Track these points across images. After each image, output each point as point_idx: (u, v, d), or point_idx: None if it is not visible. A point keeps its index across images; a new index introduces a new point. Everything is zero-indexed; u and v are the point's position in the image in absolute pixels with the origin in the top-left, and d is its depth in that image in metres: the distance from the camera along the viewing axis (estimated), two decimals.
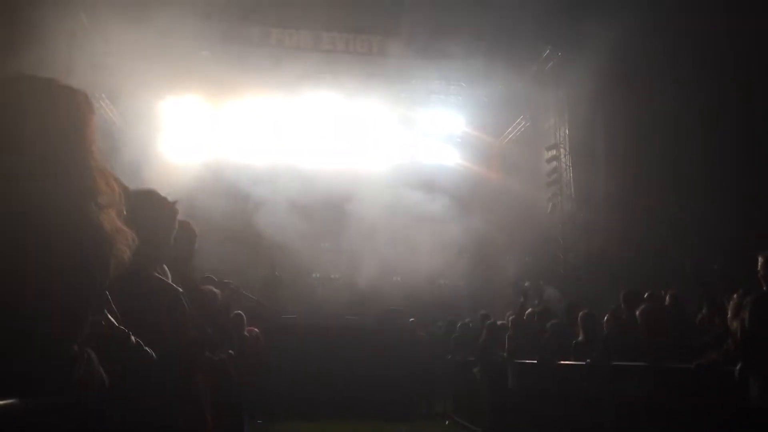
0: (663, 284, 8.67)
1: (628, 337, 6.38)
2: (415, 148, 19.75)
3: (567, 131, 16.90)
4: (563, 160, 17.01)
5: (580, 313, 7.40)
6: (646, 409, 5.70)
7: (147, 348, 2.08)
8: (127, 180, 2.74)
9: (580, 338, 7.17)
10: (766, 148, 11.01)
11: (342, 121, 19.01)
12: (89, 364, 1.55)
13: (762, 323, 4.36)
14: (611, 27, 12.61)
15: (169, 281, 2.83)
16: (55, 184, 1.49)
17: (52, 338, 1.43)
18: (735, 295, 5.26)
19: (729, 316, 5.15)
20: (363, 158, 19.10)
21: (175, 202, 2.79)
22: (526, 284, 15.04)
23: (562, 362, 7.05)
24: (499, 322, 9.53)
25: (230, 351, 5.09)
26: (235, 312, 7.11)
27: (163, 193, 2.87)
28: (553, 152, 17.23)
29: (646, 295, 7.32)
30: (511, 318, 9.05)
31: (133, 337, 2.00)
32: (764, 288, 4.61)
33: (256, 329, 8.32)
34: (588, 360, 6.59)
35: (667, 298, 7.36)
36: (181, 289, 2.69)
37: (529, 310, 8.99)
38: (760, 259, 4.63)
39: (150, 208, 2.51)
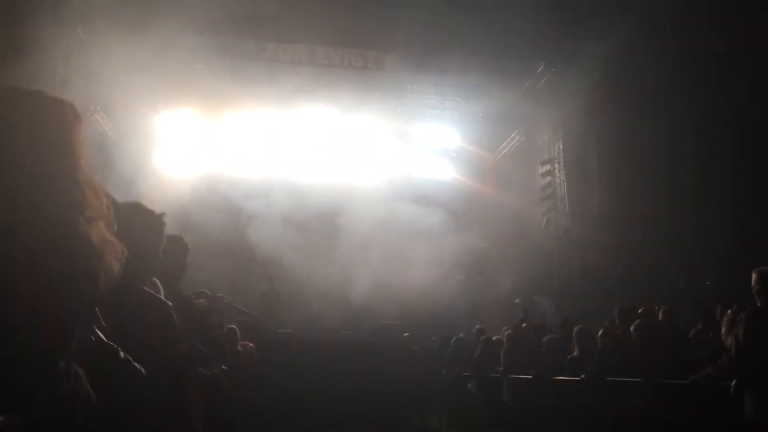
0: (657, 299, 8.69)
1: (623, 352, 6.37)
2: (410, 162, 19.79)
3: (561, 146, 16.97)
4: (557, 175, 17.06)
5: (576, 329, 7.40)
6: (642, 424, 5.67)
7: (136, 363, 2.06)
8: (122, 193, 2.74)
9: (575, 353, 7.16)
10: (759, 163, 11.08)
11: (337, 136, 19.04)
12: (76, 380, 1.53)
13: (756, 339, 4.36)
14: (604, 43, 12.71)
15: (161, 295, 2.80)
16: (43, 197, 1.48)
17: (39, 354, 1.41)
18: (729, 311, 5.27)
19: (723, 331, 5.15)
20: (359, 172, 19.12)
21: (162, 214, 2.77)
22: (517, 301, 15.05)
23: (558, 377, 7.03)
24: (494, 338, 9.50)
25: (223, 366, 5.06)
26: (229, 326, 7.08)
27: (157, 207, 2.85)
28: (548, 167, 17.29)
29: (640, 311, 7.33)
30: (506, 333, 9.04)
31: (121, 353, 1.98)
32: (758, 304, 4.61)
33: (250, 344, 8.27)
34: (583, 375, 6.57)
35: (660, 313, 7.38)
36: (171, 303, 2.67)
37: (524, 325, 8.98)
38: (754, 275, 4.64)
39: (137, 220, 2.49)
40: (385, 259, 14.62)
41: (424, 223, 16.23)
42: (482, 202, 19.75)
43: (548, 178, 17.25)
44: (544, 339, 7.85)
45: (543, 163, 17.61)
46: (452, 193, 19.31)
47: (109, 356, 1.90)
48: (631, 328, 6.38)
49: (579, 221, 16.06)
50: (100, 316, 1.84)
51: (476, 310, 15.32)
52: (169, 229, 3.60)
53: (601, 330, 7.65)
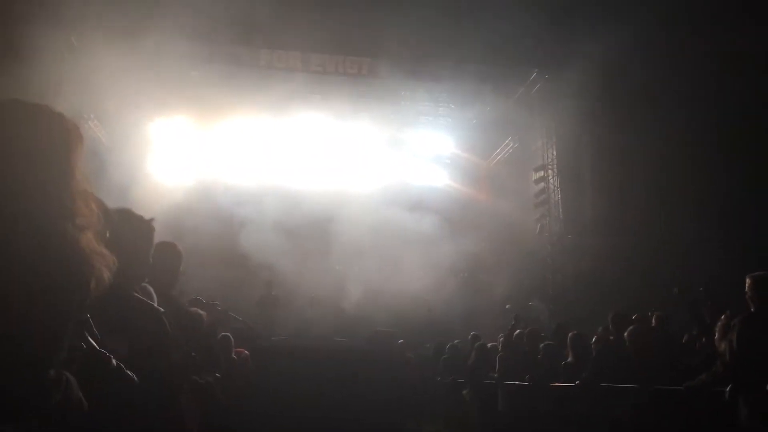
0: (651, 304, 8.70)
1: (617, 358, 6.38)
2: (404, 169, 19.81)
3: (555, 153, 17.02)
4: (551, 181, 17.11)
5: (570, 335, 7.40)
6: (636, 431, 5.68)
7: (128, 371, 2.04)
8: (115, 200, 2.72)
9: (569, 359, 7.16)
10: (752, 168, 11.14)
11: (331, 142, 19.06)
12: (68, 388, 1.52)
13: (750, 344, 4.37)
14: (597, 50, 12.78)
15: (154, 302, 2.79)
16: (34, 206, 1.48)
17: (29, 362, 1.40)
18: (722, 317, 5.28)
19: (716, 337, 5.16)
20: (353, 179, 19.12)
21: (151, 220, 2.76)
22: (507, 306, 15.06)
23: (554, 384, 7.02)
24: (489, 344, 9.49)
25: (217, 374, 5.03)
26: (223, 334, 7.05)
27: (150, 214, 2.84)
28: (541, 173, 17.34)
29: (634, 317, 7.35)
30: (502, 339, 9.03)
31: (114, 360, 1.96)
32: (752, 309, 4.62)
33: (245, 351, 8.23)
34: (578, 381, 6.57)
35: (654, 319, 7.39)
36: (162, 309, 2.66)
37: (518, 331, 8.97)
38: (748, 281, 4.65)
39: (126, 226, 2.48)
40: (379, 266, 14.61)
41: (418, 230, 16.22)
42: (476, 209, 19.77)
43: (542, 185, 17.30)
44: (541, 345, 7.84)
45: (536, 170, 17.65)
46: (446, 200, 19.33)
47: (100, 364, 1.89)
48: (625, 334, 6.39)
49: (573, 227, 16.09)
50: (92, 323, 1.83)
51: (471, 317, 15.31)
52: (163, 236, 3.59)
53: (595, 337, 7.66)
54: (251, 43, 15.65)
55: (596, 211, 15.05)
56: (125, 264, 1.72)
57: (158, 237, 3.21)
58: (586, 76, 13.61)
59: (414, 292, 15.30)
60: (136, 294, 2.61)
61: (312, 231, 15.99)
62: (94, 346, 1.85)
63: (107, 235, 1.67)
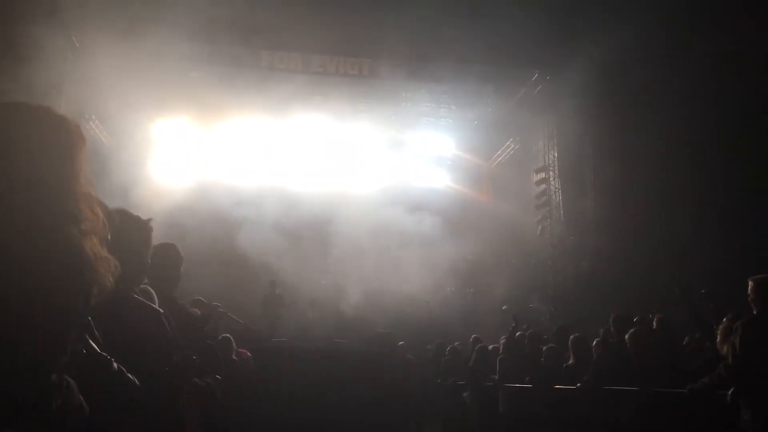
0: (652, 305, 8.69)
1: (618, 360, 6.36)
2: (405, 170, 19.80)
3: (556, 154, 17.02)
4: (552, 182, 17.10)
5: (571, 337, 7.38)
6: None
7: (129, 374, 2.03)
8: (116, 201, 2.71)
9: (570, 361, 7.14)
10: (753, 169, 11.14)
11: (332, 144, 19.06)
12: (69, 391, 1.51)
13: (753, 347, 4.35)
14: (598, 52, 12.77)
15: (155, 304, 2.78)
16: (39, 209, 1.48)
17: (31, 367, 1.39)
18: (724, 319, 5.26)
19: (718, 340, 5.14)
20: (354, 180, 19.12)
21: (149, 220, 2.75)
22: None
23: (558, 386, 7.00)
24: (490, 347, 9.47)
25: (217, 375, 5.02)
26: (223, 335, 7.04)
27: (152, 215, 2.83)
28: (542, 175, 17.34)
29: (635, 319, 7.33)
30: (502, 341, 9.01)
31: (115, 364, 1.95)
32: (754, 312, 4.61)
33: (247, 353, 8.23)
34: (579, 384, 6.55)
35: (655, 321, 7.37)
36: (162, 310, 2.65)
37: (519, 333, 8.95)
38: (751, 283, 4.64)
39: (124, 227, 2.46)
40: (379, 267, 14.59)
41: (419, 232, 16.21)
42: (477, 210, 19.75)
43: (543, 186, 17.29)
44: (544, 348, 7.82)
45: (538, 171, 17.65)
46: (447, 201, 19.31)
47: (101, 367, 1.88)
48: (626, 336, 6.38)
49: (574, 229, 16.09)
50: (93, 326, 1.82)
51: (471, 318, 15.30)
52: (164, 237, 3.59)
53: (596, 340, 7.64)
54: (252, 44, 15.66)
55: (597, 213, 15.05)
56: (124, 265, 1.71)
57: (160, 237, 3.20)
58: (587, 77, 13.61)
59: (414, 293, 15.30)
60: (136, 296, 2.60)
61: (313, 232, 15.99)
62: (95, 350, 1.84)
63: (109, 238, 1.67)
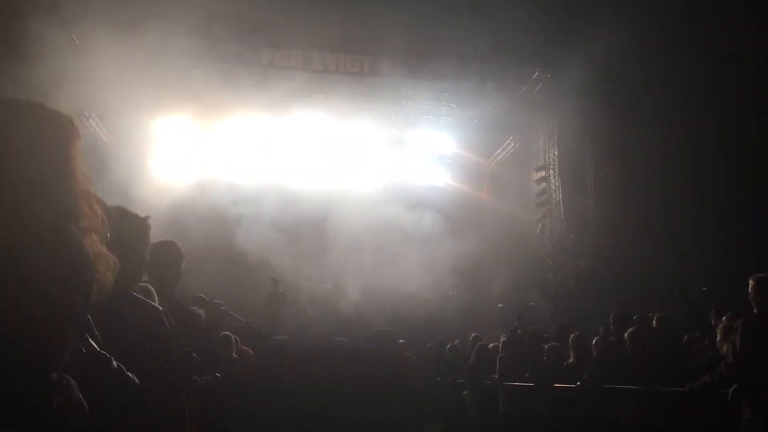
0: (652, 304, 8.70)
1: (618, 359, 6.36)
2: (405, 168, 19.80)
3: (556, 153, 17.01)
4: (552, 181, 17.09)
5: (572, 336, 7.37)
6: None
7: (129, 373, 2.03)
8: (116, 199, 2.71)
9: (571, 360, 7.14)
10: (752, 168, 11.13)
11: (333, 142, 19.06)
12: (69, 390, 1.51)
13: (753, 346, 4.35)
14: (599, 50, 12.76)
15: (155, 302, 2.77)
16: (37, 207, 1.47)
17: (32, 365, 1.39)
18: (724, 318, 5.26)
19: (718, 339, 5.14)
20: (354, 178, 19.12)
21: (147, 218, 2.74)
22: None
23: (557, 385, 7.00)
24: (491, 345, 9.46)
25: (217, 373, 5.01)
26: (223, 333, 7.03)
27: (152, 212, 2.82)
28: (543, 173, 17.33)
29: (635, 318, 7.33)
30: (503, 340, 9.00)
31: (114, 362, 1.95)
32: (755, 310, 4.60)
33: (249, 350, 8.22)
34: (578, 382, 6.55)
35: (655, 320, 7.37)
36: (162, 308, 2.64)
37: (519, 331, 8.95)
38: (751, 282, 4.63)
39: (122, 224, 2.45)
40: (380, 266, 14.60)
41: (419, 229, 16.22)
42: (477, 208, 19.76)
43: (543, 185, 17.28)
44: (546, 346, 7.82)
45: (538, 170, 17.64)
46: (447, 199, 19.32)
47: (101, 366, 1.88)
48: (625, 335, 6.37)
49: (574, 227, 16.09)
50: (92, 324, 1.82)
51: (470, 316, 15.31)
52: (164, 235, 3.58)
53: (596, 339, 7.64)
54: (253, 41, 15.64)
55: (597, 211, 15.04)
56: (123, 263, 1.70)
57: (159, 235, 3.19)
58: (587, 76, 13.60)
59: (414, 291, 15.30)
60: (135, 293, 2.60)
61: (313, 230, 15.99)
62: (95, 348, 1.83)
63: (108, 236, 1.66)
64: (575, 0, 13.74)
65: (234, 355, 7.07)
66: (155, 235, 2.87)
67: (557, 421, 6.72)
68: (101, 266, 1.56)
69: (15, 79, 9.19)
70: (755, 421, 4.26)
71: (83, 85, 13.32)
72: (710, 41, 11.54)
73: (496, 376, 8.29)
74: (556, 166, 17.03)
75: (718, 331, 5.18)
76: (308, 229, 15.98)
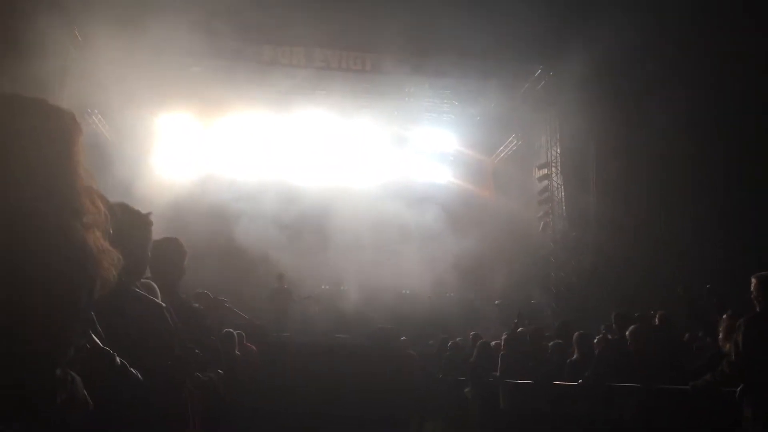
0: (654, 302, 8.70)
1: (619, 357, 6.36)
2: (407, 165, 19.79)
3: (559, 150, 16.98)
4: (555, 179, 17.07)
5: (576, 334, 7.38)
6: (639, 430, 5.66)
7: (132, 369, 2.03)
8: (118, 196, 2.71)
9: (575, 357, 7.14)
10: (754, 166, 11.12)
11: (335, 139, 19.04)
12: (73, 386, 1.51)
13: (756, 344, 4.35)
14: (602, 47, 12.74)
15: (158, 298, 2.78)
16: (41, 204, 1.47)
17: (35, 362, 1.39)
18: (724, 316, 5.26)
19: (720, 337, 5.14)
20: (357, 175, 19.12)
21: (148, 214, 2.75)
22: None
23: (559, 382, 7.01)
24: (492, 343, 9.47)
25: (219, 370, 5.02)
26: (226, 330, 7.05)
27: (154, 209, 2.83)
28: (545, 171, 17.29)
29: (636, 316, 7.33)
30: (504, 337, 9.01)
31: (118, 358, 1.95)
32: (757, 309, 4.60)
33: (253, 347, 8.24)
34: (580, 380, 6.55)
35: (657, 318, 7.37)
36: (164, 304, 2.65)
37: (520, 329, 8.95)
38: (754, 281, 4.63)
39: (125, 221, 2.46)
40: (381, 263, 14.60)
41: (420, 227, 16.22)
42: (479, 206, 19.73)
43: (545, 182, 17.25)
44: (550, 344, 7.83)
45: (540, 167, 17.61)
46: (449, 197, 19.31)
47: (104, 362, 1.88)
48: (627, 333, 6.38)
49: (576, 225, 16.06)
50: (95, 321, 1.82)
51: (472, 314, 15.32)
52: (166, 231, 3.59)
53: (597, 337, 7.65)
54: (254, 38, 15.61)
55: (600, 209, 15.02)
56: (126, 259, 1.71)
57: (161, 232, 3.20)
58: (590, 73, 13.58)
59: (416, 288, 15.30)
60: (137, 290, 2.61)
61: (315, 227, 15.99)
62: (98, 344, 1.84)
63: (110, 232, 1.66)
64: None
65: (237, 351, 7.10)
66: (157, 232, 2.87)
67: (558, 418, 6.73)
68: (105, 262, 1.57)
69: (17, 76, 9.21)
70: (756, 419, 4.26)
71: (85, 81, 13.32)
72: (710, 41, 11.52)
73: (498, 374, 8.29)
74: (559, 163, 17.00)
75: (721, 330, 5.18)
76: (310, 226, 15.98)
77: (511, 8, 12.72)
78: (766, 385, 4.22)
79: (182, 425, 2.83)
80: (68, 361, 1.49)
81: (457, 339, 11.22)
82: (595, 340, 7.49)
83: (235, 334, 7.21)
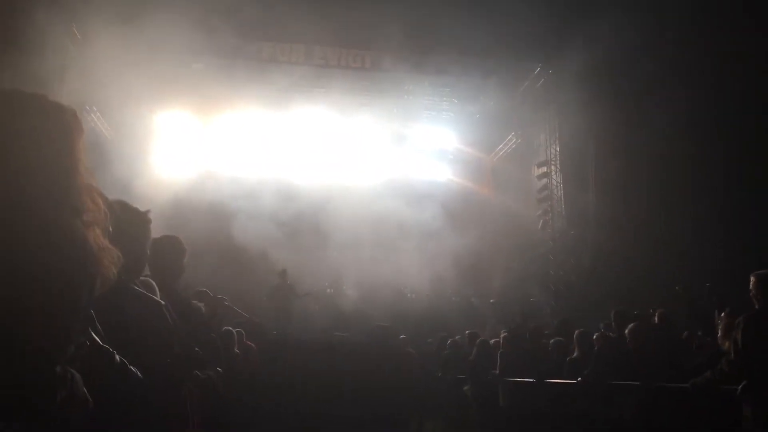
0: (653, 301, 8.70)
1: (618, 355, 6.37)
2: (406, 163, 19.79)
3: (558, 148, 16.98)
4: (554, 177, 17.07)
5: (576, 332, 7.39)
6: (638, 428, 5.67)
7: (131, 367, 2.03)
8: (117, 193, 2.70)
9: (575, 355, 7.14)
10: (754, 165, 11.12)
11: (334, 137, 19.04)
12: (73, 383, 1.51)
13: (755, 342, 4.35)
14: (601, 46, 12.73)
15: (157, 296, 2.78)
16: (41, 201, 1.46)
17: (35, 359, 1.39)
18: (723, 314, 5.26)
19: (719, 335, 5.14)
20: (356, 173, 19.12)
21: (147, 212, 2.74)
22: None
23: (558, 381, 7.01)
24: (492, 341, 9.47)
25: (218, 368, 5.02)
26: (225, 328, 7.04)
27: (153, 207, 2.82)
28: (544, 169, 17.30)
29: (635, 314, 7.33)
30: (503, 335, 9.01)
31: (117, 356, 1.95)
32: (756, 307, 4.60)
33: (253, 345, 8.23)
34: (579, 378, 6.56)
35: (656, 316, 7.38)
36: (163, 302, 2.64)
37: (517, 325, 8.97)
38: (753, 279, 4.63)
39: (124, 218, 2.45)
40: (380, 261, 14.60)
41: (420, 225, 16.22)
42: (479, 204, 19.74)
43: (545, 180, 17.26)
44: (551, 341, 7.84)
45: (539, 165, 17.62)
46: (449, 195, 19.32)
47: (104, 360, 1.88)
48: (626, 331, 6.39)
49: (575, 223, 16.07)
50: (95, 318, 1.82)
51: (471, 311, 15.32)
52: (165, 229, 3.58)
53: (596, 335, 7.65)
54: (253, 35, 15.59)
55: (599, 207, 15.03)
56: (125, 257, 1.70)
57: (160, 229, 3.19)
58: (590, 72, 13.57)
59: (415, 286, 15.30)
60: (137, 287, 2.60)
61: (314, 224, 15.99)
62: (98, 342, 1.83)
63: (110, 230, 1.65)
64: None
65: (236, 349, 7.09)
66: (156, 229, 2.87)
67: (558, 417, 6.73)
68: (105, 260, 1.56)
69: (16, 73, 9.18)
70: (755, 418, 4.26)
71: (84, 79, 13.29)
72: (710, 41, 11.51)
73: (497, 372, 8.30)
74: (558, 162, 17.01)
75: (720, 328, 5.18)
76: (309, 224, 15.98)
77: (510, 7, 12.71)
78: (765, 383, 4.22)
79: (182, 423, 2.83)
80: (68, 358, 1.49)
81: (457, 337, 11.21)
82: (594, 338, 7.50)
83: (235, 332, 7.20)
